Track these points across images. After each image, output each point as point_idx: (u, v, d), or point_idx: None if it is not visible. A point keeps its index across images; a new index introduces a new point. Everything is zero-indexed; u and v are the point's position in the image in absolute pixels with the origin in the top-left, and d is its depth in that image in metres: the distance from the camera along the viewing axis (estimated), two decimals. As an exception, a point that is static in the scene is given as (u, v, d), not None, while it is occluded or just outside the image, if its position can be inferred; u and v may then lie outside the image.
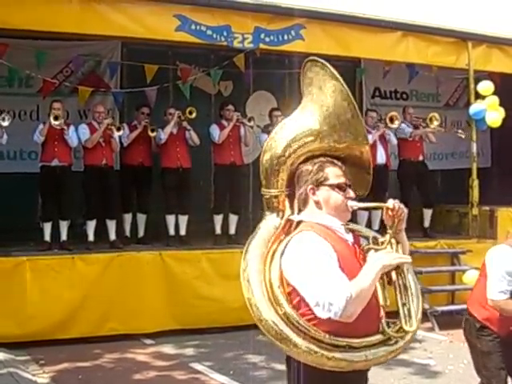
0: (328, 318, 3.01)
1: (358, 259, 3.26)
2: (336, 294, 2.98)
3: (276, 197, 3.49)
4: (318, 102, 3.43)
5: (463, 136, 11.90)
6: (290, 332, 3.09)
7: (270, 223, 3.48)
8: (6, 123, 9.17)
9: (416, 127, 11.58)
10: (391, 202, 3.31)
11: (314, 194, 3.31)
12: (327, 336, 3.08)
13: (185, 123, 10.38)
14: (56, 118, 9.40)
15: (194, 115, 10.39)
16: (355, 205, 3.33)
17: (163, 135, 10.29)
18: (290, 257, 3.18)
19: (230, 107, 10.74)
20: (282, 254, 3.23)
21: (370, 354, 3.18)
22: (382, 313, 3.21)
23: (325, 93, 3.40)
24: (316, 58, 3.49)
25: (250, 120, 10.72)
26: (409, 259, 3.22)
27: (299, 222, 3.35)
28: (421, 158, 11.69)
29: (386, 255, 3.18)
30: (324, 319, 3.03)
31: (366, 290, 3.04)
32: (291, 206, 3.46)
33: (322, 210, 3.31)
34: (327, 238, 3.18)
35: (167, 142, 10.34)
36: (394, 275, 3.18)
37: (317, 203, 3.32)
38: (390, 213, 3.31)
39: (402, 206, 3.32)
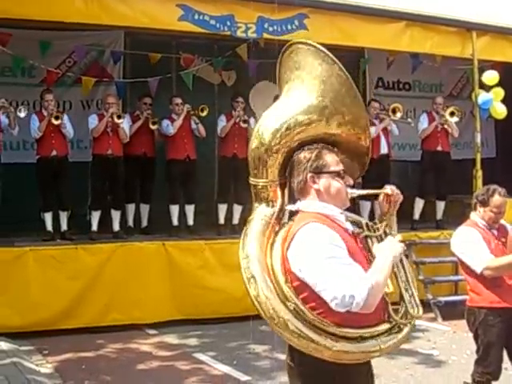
0: (345, 311, 2.96)
1: (359, 248, 3.22)
2: (357, 285, 2.92)
3: (265, 187, 3.34)
4: (310, 86, 3.28)
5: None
6: (306, 329, 3.02)
7: (261, 215, 3.34)
8: (22, 114, 9.33)
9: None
10: (389, 188, 3.32)
11: (314, 182, 3.19)
12: (338, 329, 3.04)
13: (194, 118, 10.38)
14: (57, 118, 9.39)
15: (205, 113, 10.40)
16: (355, 192, 3.26)
17: (172, 129, 10.29)
18: (299, 251, 3.06)
19: (240, 99, 10.78)
20: (288, 247, 3.11)
21: (381, 342, 3.16)
22: (388, 300, 3.20)
23: (318, 76, 3.27)
24: (304, 40, 3.40)
25: (244, 122, 10.64)
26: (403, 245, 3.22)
27: (296, 212, 3.26)
28: (440, 148, 11.61)
29: (394, 245, 3.17)
30: (334, 312, 2.98)
31: (383, 280, 3.02)
32: (283, 196, 3.36)
33: (323, 199, 3.20)
34: (334, 228, 3.10)
35: (175, 134, 10.36)
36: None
37: (318, 191, 3.20)
38: (387, 199, 3.32)
39: (398, 191, 3.32)
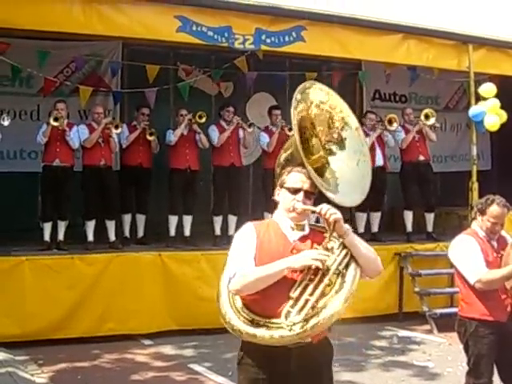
0: (251, 300, 3.59)
1: (289, 252, 3.61)
2: (229, 271, 3.67)
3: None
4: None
5: (438, 125, 11.87)
6: (233, 315, 3.66)
7: None
8: (6, 123, 9.15)
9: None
10: (320, 207, 3.62)
11: (277, 195, 3.82)
12: (251, 315, 3.59)
13: (195, 126, 10.41)
14: (56, 120, 9.40)
15: (203, 120, 10.43)
16: (298, 206, 3.67)
17: (173, 137, 10.31)
18: None
19: (230, 108, 10.77)
20: None
21: (275, 333, 3.49)
22: (290, 302, 3.50)
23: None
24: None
25: (250, 126, 10.73)
26: (316, 263, 3.47)
27: None
28: (421, 158, 11.65)
29: (295, 257, 3.55)
30: (251, 300, 3.59)
31: (255, 276, 3.54)
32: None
33: (279, 209, 3.80)
34: (261, 230, 3.70)
35: (177, 144, 10.37)
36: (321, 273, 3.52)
37: (277, 203, 3.81)
38: (322, 216, 3.63)
39: (331, 211, 3.59)
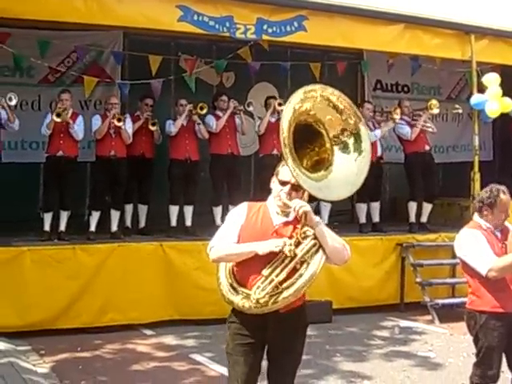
0: (236, 266, 4.18)
1: (269, 234, 4.11)
2: (213, 241, 4.25)
3: None
4: None
5: (460, 111, 11.86)
6: (223, 279, 4.24)
7: None
8: (13, 102, 9.14)
9: (414, 120, 11.52)
10: (292, 202, 4.04)
11: (272, 182, 4.25)
12: (233, 280, 4.20)
13: (195, 117, 10.39)
14: (58, 115, 9.36)
15: (204, 111, 10.42)
16: (281, 197, 4.12)
17: (173, 128, 10.31)
18: None
19: (224, 98, 10.77)
20: None
21: (246, 303, 4.08)
22: (259, 278, 4.03)
23: None
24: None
25: (248, 105, 10.70)
26: (277, 249, 3.98)
27: None
28: (427, 148, 11.62)
29: (263, 243, 4.04)
30: (236, 267, 4.18)
31: (228, 251, 4.15)
32: None
33: (271, 195, 4.26)
34: (251, 211, 4.24)
35: (177, 134, 10.37)
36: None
37: (271, 189, 4.26)
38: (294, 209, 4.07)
39: (300, 204, 4.01)
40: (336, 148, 4.22)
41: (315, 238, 4.07)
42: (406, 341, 8.84)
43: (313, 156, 4.25)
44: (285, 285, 3.98)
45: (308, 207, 4.03)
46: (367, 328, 9.44)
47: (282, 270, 4.00)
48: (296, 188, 4.09)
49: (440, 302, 10.27)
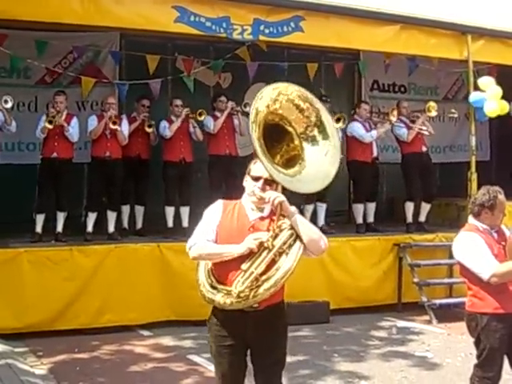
0: (215, 265, 4.32)
1: (246, 230, 4.17)
2: (192, 239, 4.42)
3: None
4: None
5: (456, 115, 11.89)
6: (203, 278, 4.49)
7: None
8: (9, 105, 9.09)
9: (412, 122, 11.51)
10: (266, 193, 4.11)
11: (245, 181, 4.31)
12: (213, 279, 4.33)
13: (192, 121, 10.40)
14: (50, 122, 9.33)
15: (203, 117, 10.43)
16: (255, 192, 4.16)
17: (168, 132, 10.29)
18: None
19: (223, 98, 10.77)
20: None
21: (228, 300, 4.11)
22: (239, 273, 4.08)
23: None
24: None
25: (245, 106, 10.71)
26: (256, 242, 4.04)
27: None
28: (424, 149, 11.63)
29: (242, 244, 4.08)
30: (215, 266, 4.32)
31: (209, 251, 4.29)
32: None
33: (245, 193, 4.30)
34: (227, 208, 4.30)
35: (171, 135, 10.35)
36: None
37: (244, 187, 4.31)
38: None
39: (274, 195, 4.07)
40: (305, 144, 4.26)
41: (292, 228, 4.11)
42: (404, 341, 8.84)
43: (284, 154, 4.28)
44: (264, 277, 4.03)
45: (283, 197, 4.09)
46: (365, 328, 9.45)
47: (260, 263, 4.04)
48: (269, 182, 4.14)
49: (437, 302, 10.27)
